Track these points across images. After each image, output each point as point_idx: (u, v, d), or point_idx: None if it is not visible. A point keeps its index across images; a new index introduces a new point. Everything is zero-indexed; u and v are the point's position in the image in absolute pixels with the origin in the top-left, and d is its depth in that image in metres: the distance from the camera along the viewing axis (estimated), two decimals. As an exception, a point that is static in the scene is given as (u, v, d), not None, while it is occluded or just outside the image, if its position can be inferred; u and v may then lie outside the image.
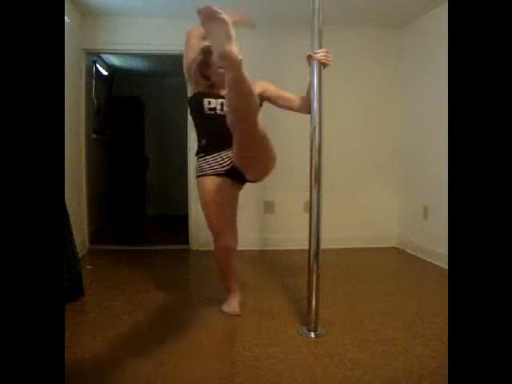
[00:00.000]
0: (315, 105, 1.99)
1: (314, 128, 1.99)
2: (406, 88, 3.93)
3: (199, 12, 1.60)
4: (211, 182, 2.13)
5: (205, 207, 2.17)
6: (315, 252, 2.02)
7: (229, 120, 1.78)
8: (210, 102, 2.14)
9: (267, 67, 3.67)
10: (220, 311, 2.30)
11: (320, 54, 1.95)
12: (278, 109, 2.31)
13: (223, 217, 2.16)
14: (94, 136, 4.35)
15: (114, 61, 5.05)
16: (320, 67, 1.97)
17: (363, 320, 2.21)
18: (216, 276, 3.13)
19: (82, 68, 3.73)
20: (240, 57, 1.54)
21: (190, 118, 3.88)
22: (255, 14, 3.67)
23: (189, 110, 2.37)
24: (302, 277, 2.07)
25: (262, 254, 3.72)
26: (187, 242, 3.96)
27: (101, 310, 2.35)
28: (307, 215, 2.06)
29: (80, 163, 3.73)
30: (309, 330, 2.04)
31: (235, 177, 2.13)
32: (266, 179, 2.19)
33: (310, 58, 1.97)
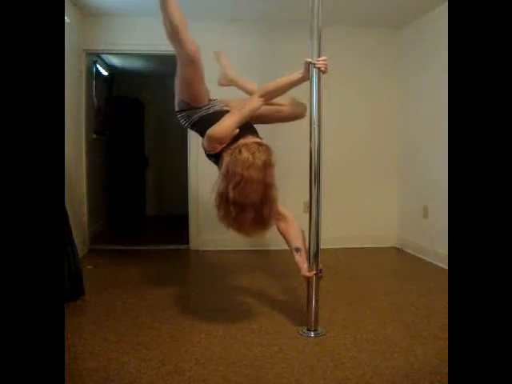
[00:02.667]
0: (315, 108, 1.99)
1: (314, 128, 1.99)
2: (406, 88, 3.93)
3: None
4: None
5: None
6: (315, 252, 2.03)
7: None
8: None
9: (266, 67, 3.67)
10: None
11: (320, 63, 1.95)
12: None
13: None
14: (94, 136, 4.35)
15: (114, 61, 5.05)
16: (319, 74, 1.97)
17: (363, 320, 2.21)
18: (216, 276, 3.14)
19: (83, 68, 3.73)
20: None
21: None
22: (254, 14, 3.69)
23: None
24: (302, 277, 2.07)
25: (262, 253, 3.72)
26: (187, 242, 3.96)
27: (101, 309, 2.35)
28: (307, 215, 2.06)
29: (80, 163, 3.73)
30: (309, 330, 2.04)
31: None
32: None
33: (308, 64, 1.97)
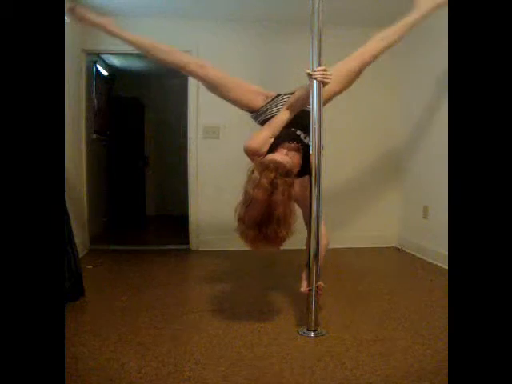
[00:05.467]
0: (315, 109, 1.97)
1: (314, 128, 1.99)
2: (406, 88, 3.93)
3: None
4: None
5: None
6: (315, 252, 2.02)
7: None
8: None
9: (266, 67, 3.67)
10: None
11: (318, 73, 1.93)
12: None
13: None
14: (95, 136, 4.35)
15: (115, 61, 5.05)
16: (320, 85, 1.95)
17: (363, 320, 2.21)
18: (216, 276, 3.14)
19: (83, 68, 3.73)
20: None
21: (190, 119, 3.90)
22: (254, 14, 3.69)
23: None
24: (302, 277, 2.07)
25: (262, 253, 3.71)
26: (187, 242, 3.96)
27: (101, 309, 2.35)
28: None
29: (80, 163, 3.73)
30: (309, 330, 2.04)
31: None
32: None
33: (309, 75, 1.96)
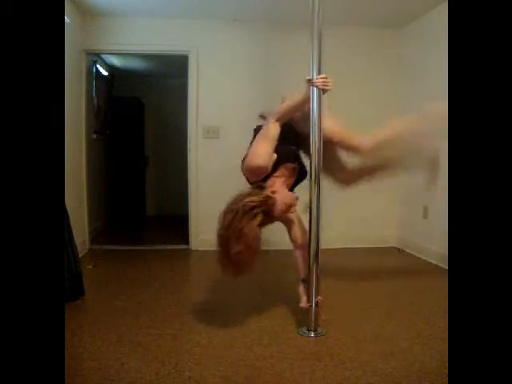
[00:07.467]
0: (315, 110, 1.97)
1: (314, 128, 1.99)
2: (406, 88, 3.93)
3: None
4: None
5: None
6: (315, 252, 2.02)
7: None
8: None
9: (267, 68, 3.66)
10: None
11: (319, 81, 1.91)
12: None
13: None
14: (95, 136, 4.35)
15: (115, 61, 5.05)
16: (320, 93, 1.95)
17: (363, 320, 2.21)
18: (216, 276, 3.14)
19: (83, 68, 3.73)
20: None
21: (190, 119, 3.90)
22: (255, 14, 3.69)
23: None
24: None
25: (262, 254, 3.70)
26: (187, 242, 3.96)
27: (101, 309, 2.35)
28: (307, 216, 2.06)
29: (80, 163, 3.73)
30: (309, 330, 2.04)
31: None
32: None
33: (309, 82, 1.94)
